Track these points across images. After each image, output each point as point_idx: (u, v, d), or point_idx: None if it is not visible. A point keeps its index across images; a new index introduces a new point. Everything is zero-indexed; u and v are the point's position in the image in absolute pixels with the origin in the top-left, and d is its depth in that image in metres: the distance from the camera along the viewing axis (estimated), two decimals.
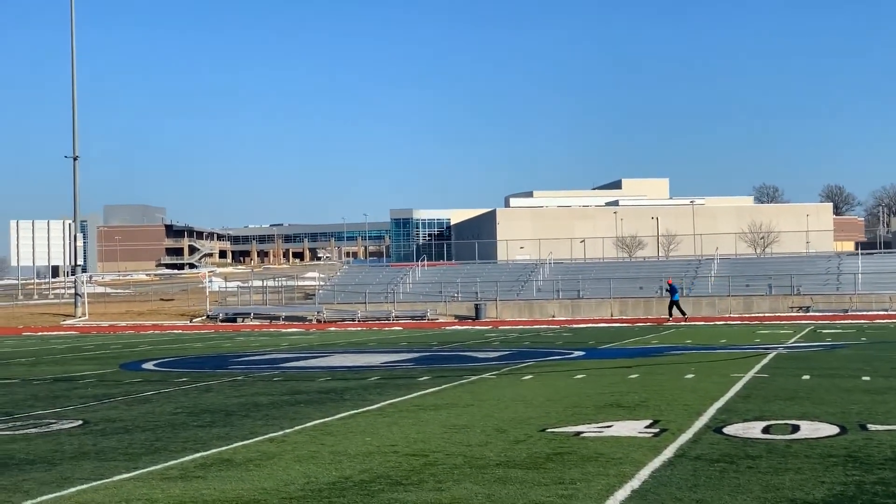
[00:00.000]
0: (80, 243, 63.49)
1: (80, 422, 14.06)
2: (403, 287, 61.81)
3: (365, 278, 67.15)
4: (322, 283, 68.38)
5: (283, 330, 48.49)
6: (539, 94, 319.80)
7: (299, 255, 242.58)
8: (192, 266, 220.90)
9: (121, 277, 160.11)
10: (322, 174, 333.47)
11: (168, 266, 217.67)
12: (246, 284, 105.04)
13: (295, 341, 36.66)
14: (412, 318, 55.75)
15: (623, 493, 8.63)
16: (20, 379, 21.68)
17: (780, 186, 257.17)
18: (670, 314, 48.31)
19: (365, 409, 14.82)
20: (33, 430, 13.31)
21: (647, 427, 12.29)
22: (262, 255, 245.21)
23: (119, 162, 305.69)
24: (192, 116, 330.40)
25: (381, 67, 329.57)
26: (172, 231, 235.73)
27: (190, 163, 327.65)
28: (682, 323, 45.51)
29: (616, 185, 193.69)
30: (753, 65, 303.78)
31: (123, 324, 58.13)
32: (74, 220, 64.66)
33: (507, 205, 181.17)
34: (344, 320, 55.78)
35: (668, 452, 10.47)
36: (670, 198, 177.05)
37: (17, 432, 13.18)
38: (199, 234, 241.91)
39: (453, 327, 48.20)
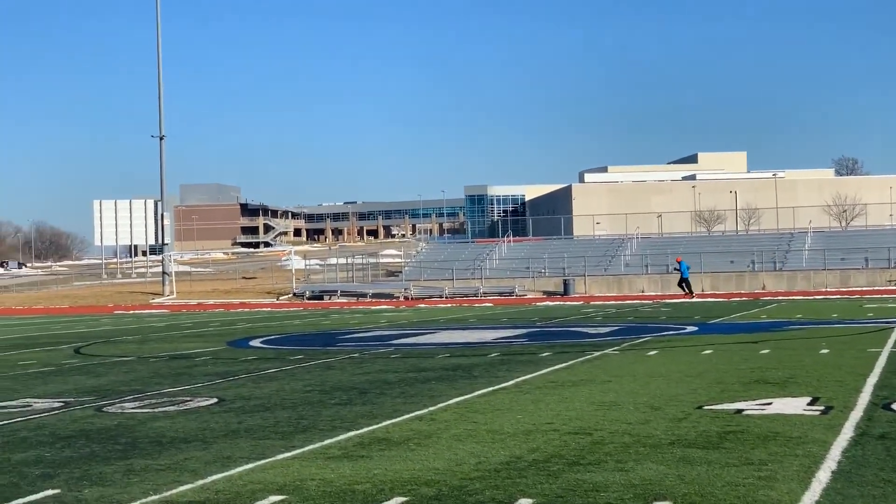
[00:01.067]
0: (167, 222, 63.93)
1: (216, 399, 13.87)
2: (489, 263, 61.39)
3: (450, 255, 66.87)
4: (407, 259, 68.15)
5: (375, 307, 48.40)
6: (611, 69, 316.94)
7: (373, 233, 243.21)
8: (266, 244, 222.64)
9: (199, 256, 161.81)
10: (396, 151, 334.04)
11: (243, 245, 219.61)
12: (325, 262, 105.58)
13: (392, 318, 36.49)
14: (500, 294, 55.36)
15: (824, 474, 8.16)
16: (135, 356, 21.67)
17: (860, 158, 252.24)
18: (684, 290, 49.12)
19: (500, 385, 14.48)
20: (171, 408, 13.13)
21: (809, 405, 11.78)
22: (337, 232, 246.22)
23: (194, 142, 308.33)
24: (264, 96, 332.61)
25: (454, 44, 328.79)
26: (247, 210, 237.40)
27: (263, 141, 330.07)
28: (687, 300, 45.97)
29: (692, 159, 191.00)
30: (825, 34, 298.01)
31: (211, 302, 58.50)
32: (161, 200, 65.16)
33: (581, 180, 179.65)
34: (431, 297, 55.54)
35: (848, 431, 9.97)
36: (748, 171, 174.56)
37: (156, 410, 13.02)
38: (274, 213, 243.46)
39: (544, 303, 47.76)
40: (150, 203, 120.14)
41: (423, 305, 48.84)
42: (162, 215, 64.08)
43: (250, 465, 9.17)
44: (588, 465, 8.79)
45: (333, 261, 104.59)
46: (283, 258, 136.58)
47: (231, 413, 12.53)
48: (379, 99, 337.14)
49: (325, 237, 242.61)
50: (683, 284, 49.12)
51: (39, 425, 11.97)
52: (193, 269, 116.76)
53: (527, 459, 9.09)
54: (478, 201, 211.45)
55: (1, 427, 11.92)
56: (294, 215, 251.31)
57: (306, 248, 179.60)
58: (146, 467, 9.23)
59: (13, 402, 14.20)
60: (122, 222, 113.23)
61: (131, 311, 51.36)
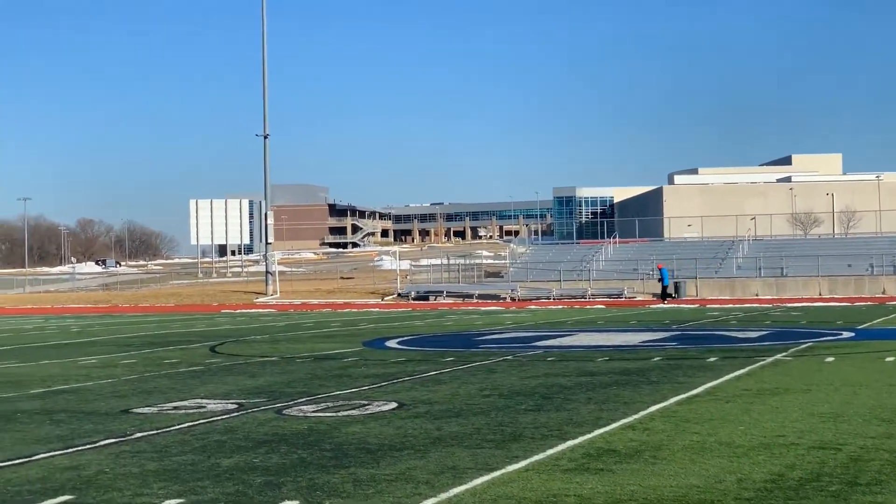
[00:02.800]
0: (270, 221, 63.90)
1: (395, 403, 13.23)
2: (595, 265, 60.36)
3: (555, 256, 65.96)
4: (511, 261, 67.36)
5: (483, 308, 47.73)
6: (700, 70, 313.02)
7: (460, 234, 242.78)
8: (354, 245, 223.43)
9: (290, 256, 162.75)
10: (484, 153, 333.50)
11: (331, 245, 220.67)
12: (417, 263, 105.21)
13: (515, 319, 35.80)
14: (608, 296, 54.36)
15: None
16: (278, 356, 21.21)
17: None
18: (663, 296, 50.31)
19: (691, 392, 13.70)
20: (354, 412, 12.53)
21: None
22: (424, 233, 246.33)
23: (282, 143, 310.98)
24: (351, 96, 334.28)
25: (540, 48, 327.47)
26: (335, 210, 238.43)
27: (351, 142, 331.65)
28: (661, 305, 46.97)
29: (785, 160, 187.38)
30: None
31: (315, 301, 58.32)
32: (265, 199, 65.17)
33: (670, 182, 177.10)
34: (539, 298, 54.72)
35: None
36: (844, 173, 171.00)
37: (339, 414, 12.42)
38: (362, 214, 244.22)
39: (657, 306, 46.70)
40: (245, 203, 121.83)
41: (533, 307, 48.05)
42: (266, 214, 64.05)
43: (486, 478, 8.51)
44: (869, 485, 7.96)
45: (426, 262, 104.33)
46: (375, 259, 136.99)
47: (421, 419, 11.88)
48: (467, 101, 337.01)
49: (413, 238, 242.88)
50: (662, 291, 50.74)
51: (228, 428, 11.45)
52: (287, 269, 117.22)
53: (792, 478, 8.30)
54: (566, 203, 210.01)
55: (188, 429, 11.41)
56: (381, 216, 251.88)
57: (396, 248, 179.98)
58: (373, 477, 8.62)
59: (185, 403, 13.74)
60: (217, 222, 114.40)
61: (238, 311, 51.31)
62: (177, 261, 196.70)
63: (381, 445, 10.14)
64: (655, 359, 18.53)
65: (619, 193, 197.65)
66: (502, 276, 63.78)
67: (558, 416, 11.81)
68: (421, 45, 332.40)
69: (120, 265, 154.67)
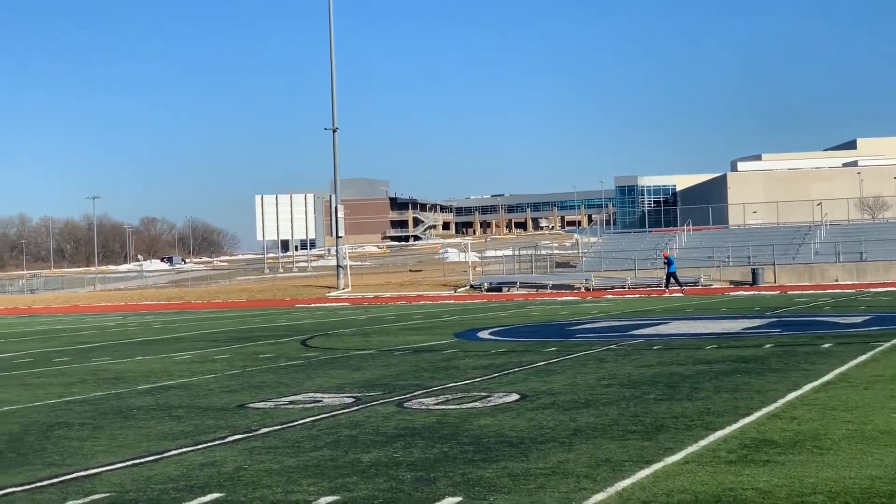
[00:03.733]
0: (341, 214, 63.83)
1: (517, 395, 12.84)
2: (670, 253, 59.44)
3: (628, 245, 65.23)
4: (584, 250, 66.71)
5: (565, 298, 47.23)
6: (760, 57, 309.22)
7: (521, 225, 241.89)
8: (416, 238, 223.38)
9: (353, 250, 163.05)
10: (543, 143, 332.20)
11: (393, 238, 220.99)
12: (483, 255, 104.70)
13: (600, 308, 35.31)
14: (685, 284, 53.52)
15: None
16: (375, 349, 20.93)
17: None
18: (667, 285, 49.85)
19: (822, 379, 13.27)
20: (478, 404, 12.17)
21: None
22: (485, 225, 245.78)
23: (342, 137, 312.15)
24: (411, 90, 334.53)
25: (603, 37, 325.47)
26: (396, 204, 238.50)
27: (411, 136, 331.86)
28: (678, 294, 46.24)
29: (850, 145, 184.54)
30: None
31: (388, 295, 58.11)
32: (335, 192, 65.08)
33: (734, 169, 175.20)
34: (614, 288, 54.09)
35: None
36: None
37: (463, 406, 12.06)
38: (423, 206, 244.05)
39: (738, 293, 45.96)
40: (311, 197, 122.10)
41: (610, 296, 47.48)
42: (336, 208, 63.96)
43: (647, 471, 8.10)
44: None
45: (491, 253, 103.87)
46: (440, 251, 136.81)
47: (550, 410, 11.50)
48: (527, 92, 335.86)
49: (474, 230, 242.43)
50: (672, 279, 49.88)
51: (354, 422, 11.14)
52: (353, 263, 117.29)
53: None
54: (628, 192, 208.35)
55: (312, 424, 11.13)
56: (443, 208, 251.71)
57: (462, 240, 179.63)
58: (527, 471, 8.24)
59: (298, 397, 13.47)
60: (282, 217, 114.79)
61: (313, 305, 51.26)
62: (240, 257, 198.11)
63: (522, 438, 9.78)
64: (767, 346, 18.01)
65: (682, 181, 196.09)
66: (574, 266, 63.17)
67: (693, 406, 11.38)
68: (479, 40, 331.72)
69: (186, 262, 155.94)
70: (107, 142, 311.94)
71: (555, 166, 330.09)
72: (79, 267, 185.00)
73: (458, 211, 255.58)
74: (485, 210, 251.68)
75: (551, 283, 56.50)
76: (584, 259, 62.93)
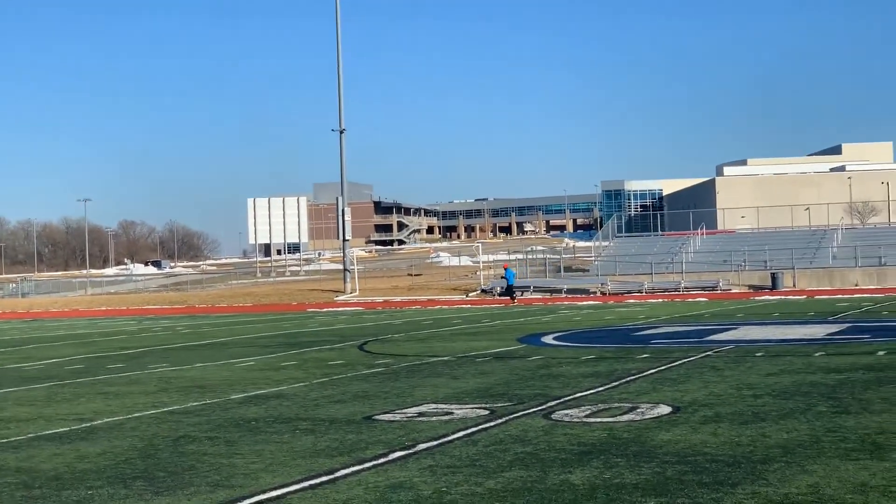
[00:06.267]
0: (347, 217, 62.79)
1: (669, 408, 11.86)
2: (685, 257, 58.79)
3: (640, 249, 64.43)
4: (597, 254, 65.80)
5: (591, 302, 46.40)
6: (744, 62, 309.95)
7: (505, 230, 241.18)
8: (401, 242, 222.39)
9: (339, 254, 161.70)
10: (527, 147, 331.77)
11: (377, 242, 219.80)
12: (476, 259, 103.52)
13: (641, 312, 34.48)
14: (702, 288, 52.84)
15: None
16: (451, 356, 19.94)
17: None
18: (510, 296, 50.35)
19: None
20: (634, 416, 11.22)
21: None
22: (469, 229, 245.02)
23: (325, 141, 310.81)
24: (394, 93, 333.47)
25: (587, 42, 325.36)
26: (381, 207, 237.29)
27: (395, 139, 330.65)
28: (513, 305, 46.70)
29: (835, 150, 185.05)
30: None
31: (398, 299, 57.10)
32: (342, 194, 64.09)
33: (720, 173, 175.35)
34: (630, 292, 53.30)
35: None
36: (895, 161, 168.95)
37: (618, 419, 11.10)
38: (407, 210, 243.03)
39: (763, 297, 45.27)
40: (303, 200, 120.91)
41: (631, 300, 46.69)
42: (343, 211, 62.89)
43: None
44: None
45: (484, 258, 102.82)
46: (432, 255, 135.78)
47: (726, 423, 10.55)
48: (511, 96, 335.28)
49: (459, 234, 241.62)
50: (509, 291, 51.02)
51: (516, 437, 10.16)
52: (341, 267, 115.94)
53: None
54: (615, 196, 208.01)
55: (468, 439, 10.15)
56: (427, 212, 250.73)
57: (447, 244, 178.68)
58: (786, 497, 7.29)
59: (421, 408, 12.47)
60: (275, 220, 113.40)
61: (325, 309, 50.23)
62: (225, 261, 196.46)
63: (731, 456, 8.83)
64: (880, 353, 17.16)
65: (668, 186, 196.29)
66: (587, 271, 62.35)
67: (883, 419, 10.49)
68: (463, 39, 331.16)
69: (173, 266, 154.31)
70: (84, 144, 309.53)
71: (539, 171, 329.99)
72: (57, 270, 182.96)
73: (443, 215, 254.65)
74: (469, 214, 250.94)
75: (566, 287, 55.63)
76: (596, 263, 62.06)
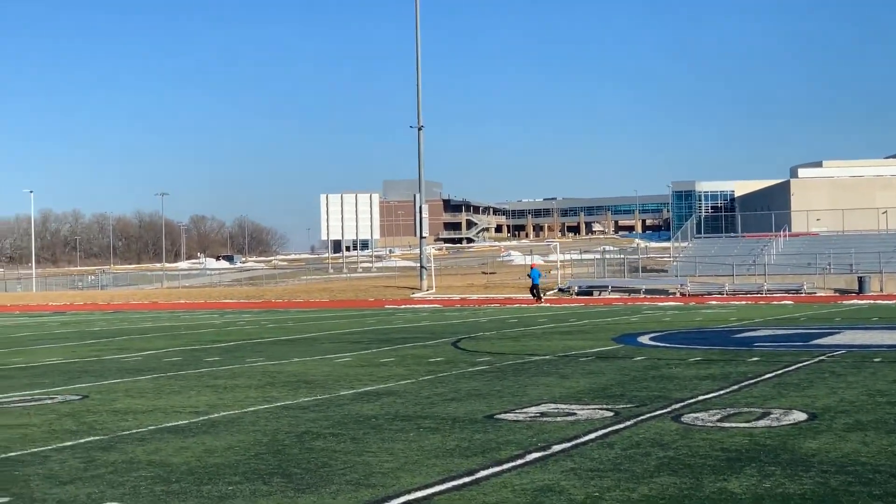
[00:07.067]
0: (425, 214, 62.67)
1: (804, 414, 11.39)
2: (767, 258, 57.84)
3: (720, 250, 63.52)
4: (675, 255, 65.06)
5: (674, 303, 45.83)
6: (820, 61, 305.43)
7: (573, 229, 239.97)
8: (469, 240, 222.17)
9: (412, 251, 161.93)
10: (595, 147, 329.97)
11: (446, 241, 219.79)
12: (547, 258, 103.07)
13: (731, 315, 33.91)
14: (786, 291, 51.90)
15: None
16: (551, 355, 19.60)
17: None
18: (535, 296, 51.17)
19: None
20: (769, 423, 10.79)
21: None
22: (537, 228, 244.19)
23: (395, 138, 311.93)
24: (464, 92, 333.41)
25: (661, 41, 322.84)
26: (450, 206, 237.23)
27: (463, 137, 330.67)
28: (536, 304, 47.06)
29: None
30: None
31: (475, 297, 56.85)
32: (419, 191, 63.93)
33: (793, 175, 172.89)
34: (709, 293, 52.51)
35: None
36: None
37: (754, 424, 10.69)
38: (476, 209, 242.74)
39: (852, 301, 44.38)
40: (375, 197, 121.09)
41: (714, 302, 45.98)
42: (420, 208, 62.80)
43: None
44: None
45: (554, 257, 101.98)
46: (502, 253, 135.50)
47: (873, 432, 10.08)
48: (580, 95, 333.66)
49: (527, 233, 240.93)
50: (534, 290, 51.50)
51: (653, 441, 9.78)
52: (416, 265, 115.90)
53: None
54: (685, 197, 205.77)
55: (603, 441, 9.81)
56: (496, 211, 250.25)
57: (515, 243, 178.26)
58: None
59: (541, 408, 12.15)
60: (347, 216, 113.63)
61: (403, 306, 50.13)
62: (294, 256, 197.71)
63: None
64: None
65: (740, 187, 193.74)
66: (666, 272, 61.63)
67: None
68: (534, 38, 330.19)
69: (245, 261, 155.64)
70: (157, 138, 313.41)
71: (608, 171, 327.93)
72: (130, 263, 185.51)
73: (511, 214, 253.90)
74: (537, 213, 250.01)
75: (644, 287, 54.99)
76: (675, 263, 61.28)
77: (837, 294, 50.36)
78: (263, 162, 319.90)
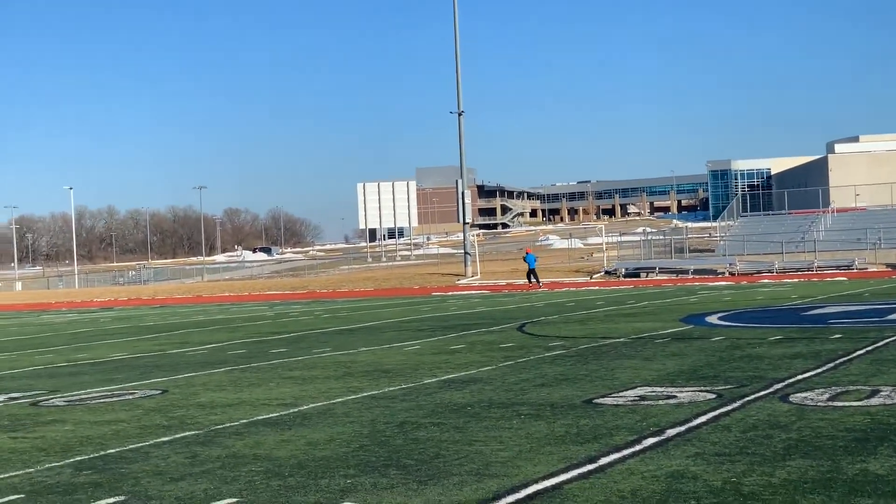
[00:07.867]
0: (468, 200, 62.37)
1: None
2: (816, 235, 57.15)
3: (767, 228, 62.85)
4: (722, 234, 64.44)
5: (724, 283, 45.32)
6: (851, 35, 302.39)
7: (608, 212, 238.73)
8: (504, 226, 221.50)
9: (447, 238, 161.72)
10: (628, 128, 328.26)
11: (481, 227, 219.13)
12: (587, 242, 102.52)
13: (792, 293, 33.47)
14: (837, 268, 51.23)
15: None
16: (624, 337, 19.26)
17: None
18: (531, 281, 51.20)
19: None
20: (882, 401, 10.43)
21: None
22: (572, 212, 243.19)
23: (428, 125, 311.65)
24: (495, 79, 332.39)
25: (692, 17, 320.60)
26: (484, 191, 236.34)
27: (496, 122, 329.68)
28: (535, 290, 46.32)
29: None
30: None
31: (521, 282, 56.51)
32: (461, 177, 63.69)
33: (829, 151, 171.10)
34: (759, 272, 51.92)
35: None
36: None
37: (866, 403, 10.34)
38: (510, 194, 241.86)
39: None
40: (412, 185, 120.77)
41: (766, 280, 45.43)
42: (463, 193, 62.46)
43: None
44: None
45: (593, 239, 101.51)
46: (541, 238, 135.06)
47: None
48: (614, 75, 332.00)
49: (562, 217, 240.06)
50: (531, 275, 51.38)
51: (768, 422, 9.47)
52: (455, 251, 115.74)
53: None
54: (721, 176, 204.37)
55: (715, 423, 9.50)
56: (530, 196, 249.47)
57: (551, 227, 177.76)
58: None
59: (636, 392, 11.84)
60: (385, 205, 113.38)
61: (451, 292, 49.87)
62: (330, 246, 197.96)
63: None
64: None
65: (777, 165, 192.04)
66: (713, 251, 61.04)
67: None
68: (566, 22, 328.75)
69: (283, 252, 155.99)
70: (188, 134, 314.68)
71: (640, 152, 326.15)
72: (166, 258, 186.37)
73: (546, 198, 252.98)
74: (572, 197, 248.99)
75: (693, 267, 54.44)
76: (722, 243, 60.67)
77: (890, 269, 49.63)
78: (293, 154, 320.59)
